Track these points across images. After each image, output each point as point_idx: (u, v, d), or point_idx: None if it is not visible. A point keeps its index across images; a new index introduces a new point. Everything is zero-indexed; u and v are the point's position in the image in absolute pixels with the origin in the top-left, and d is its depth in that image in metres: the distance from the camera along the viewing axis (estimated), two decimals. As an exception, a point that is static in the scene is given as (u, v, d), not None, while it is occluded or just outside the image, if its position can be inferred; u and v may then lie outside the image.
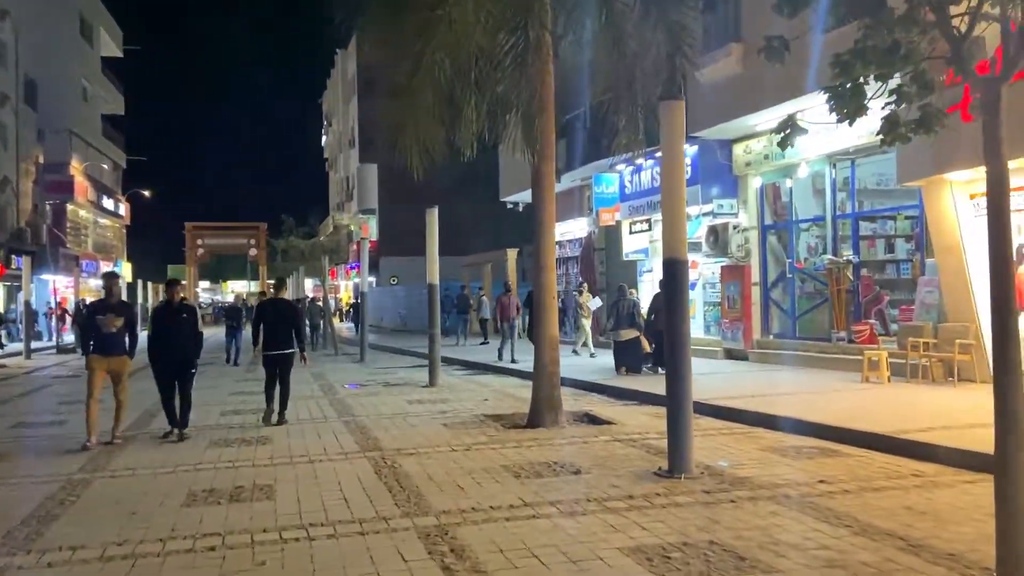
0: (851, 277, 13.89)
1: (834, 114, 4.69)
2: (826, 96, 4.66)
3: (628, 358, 13.89)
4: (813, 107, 13.44)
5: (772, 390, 11.00)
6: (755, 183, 15.72)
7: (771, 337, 15.62)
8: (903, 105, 4.47)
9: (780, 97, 13.56)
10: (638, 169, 18.43)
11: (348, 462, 7.34)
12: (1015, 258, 11.38)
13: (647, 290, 17.70)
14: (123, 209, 46.74)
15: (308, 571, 4.43)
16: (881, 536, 4.71)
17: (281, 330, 9.99)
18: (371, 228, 46.50)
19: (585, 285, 18.58)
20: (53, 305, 32.34)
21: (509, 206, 24.79)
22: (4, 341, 26.59)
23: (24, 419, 11.07)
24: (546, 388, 9.25)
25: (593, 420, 9.51)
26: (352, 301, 42.39)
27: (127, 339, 8.76)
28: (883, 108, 4.74)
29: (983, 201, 10.96)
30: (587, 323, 17.79)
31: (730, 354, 15.73)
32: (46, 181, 35.26)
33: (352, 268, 45.59)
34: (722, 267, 16.04)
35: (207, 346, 22.38)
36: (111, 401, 8.73)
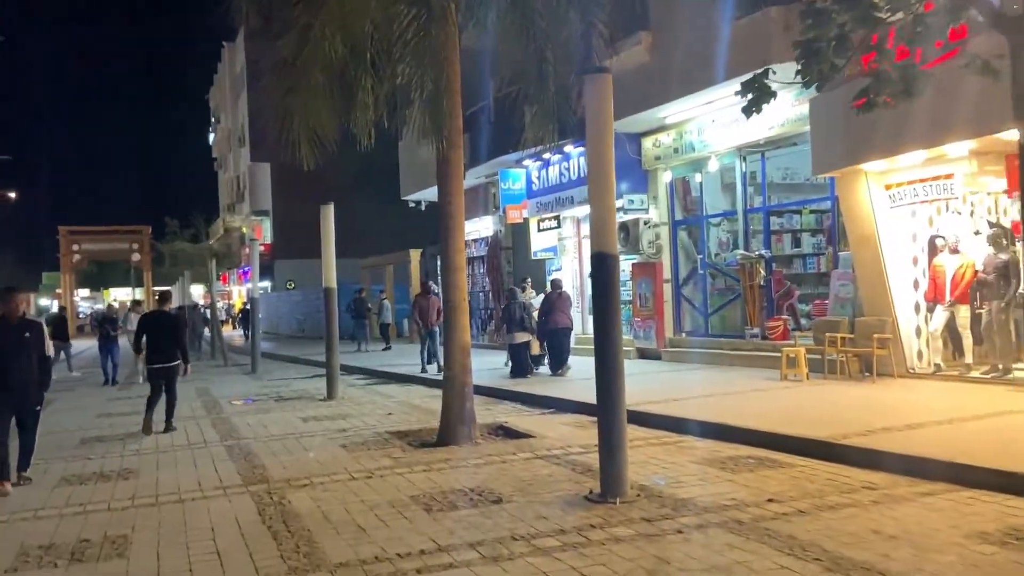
0: (763, 272, 13.62)
1: (797, 78, 4.09)
2: (796, 55, 4.11)
3: (521, 360, 13.55)
4: (723, 98, 13.18)
5: (693, 392, 10.47)
6: (665, 177, 15.30)
7: (684, 335, 15.24)
8: (879, 69, 3.92)
9: (690, 88, 13.17)
10: (546, 164, 17.76)
11: (227, 499, 6.23)
12: (928, 250, 11.36)
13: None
14: (-15, 212, 42.78)
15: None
16: (858, 571, 4.07)
17: (164, 343, 10.01)
18: (264, 230, 44.44)
19: (529, 280, 16.56)
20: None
21: (411, 205, 23.72)
22: None
23: None
24: (457, 400, 8.34)
25: (509, 433, 8.67)
26: (244, 307, 40.20)
27: None
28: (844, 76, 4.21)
29: (898, 192, 10.85)
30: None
31: (643, 353, 15.25)
32: None
33: (245, 273, 43.23)
34: (633, 264, 15.54)
35: (80, 360, 20.23)
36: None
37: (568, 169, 16.98)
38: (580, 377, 12.94)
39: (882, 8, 4.20)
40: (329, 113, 8.57)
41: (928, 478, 5.73)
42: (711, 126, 13.83)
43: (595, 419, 9.46)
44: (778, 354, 11.90)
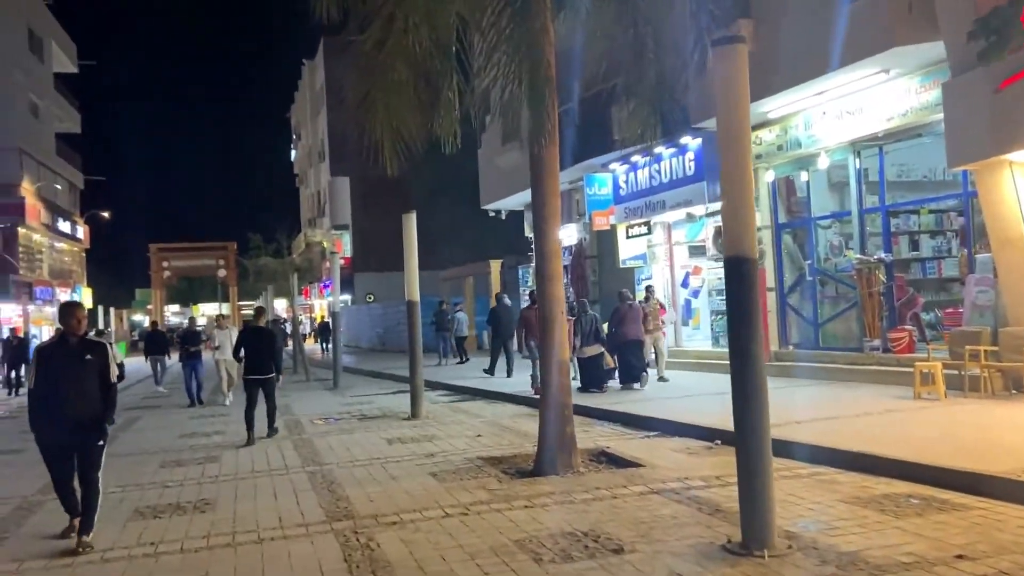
0: (883, 278, 12.35)
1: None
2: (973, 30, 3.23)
3: (593, 374, 13.06)
4: (836, 87, 12.03)
5: (813, 412, 9.30)
6: (767, 177, 14.15)
7: (790, 348, 14.04)
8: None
9: (798, 79, 12.07)
10: (633, 168, 16.84)
11: (309, 540, 5.56)
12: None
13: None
14: (81, 232, 44.24)
15: None
16: None
17: (262, 355, 10.68)
18: (344, 244, 44.70)
19: (652, 288, 15.01)
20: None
21: (491, 214, 23.09)
22: None
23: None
24: (556, 424, 7.51)
25: (614, 461, 7.78)
26: (323, 320, 40.39)
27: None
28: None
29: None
30: (662, 339, 14.34)
31: (745, 368, 14.07)
32: (-6, 204, 32.97)
33: (325, 286, 43.55)
34: (733, 272, 14.40)
35: (167, 375, 20.08)
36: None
37: (659, 172, 16.02)
38: (659, 395, 12.10)
39: None
40: (412, 112, 7.93)
41: None
42: (821, 119, 12.67)
43: (706, 444, 8.58)
44: (903, 369, 10.69)
